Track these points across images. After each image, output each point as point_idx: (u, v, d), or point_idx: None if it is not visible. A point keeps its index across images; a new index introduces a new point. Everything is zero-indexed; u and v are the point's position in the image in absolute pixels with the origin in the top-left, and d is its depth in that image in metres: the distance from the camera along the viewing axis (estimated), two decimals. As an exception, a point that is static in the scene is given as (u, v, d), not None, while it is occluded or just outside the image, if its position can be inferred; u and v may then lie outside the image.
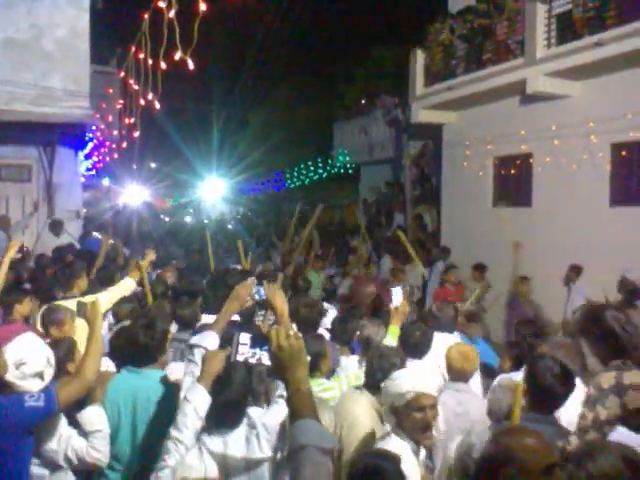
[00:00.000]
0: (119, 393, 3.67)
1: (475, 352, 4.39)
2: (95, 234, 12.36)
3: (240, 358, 3.44)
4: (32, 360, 3.28)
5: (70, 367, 3.73)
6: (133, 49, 6.88)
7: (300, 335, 2.07)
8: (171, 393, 3.57)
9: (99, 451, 3.46)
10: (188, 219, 25.92)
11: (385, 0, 24.15)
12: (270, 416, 3.19)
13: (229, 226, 22.39)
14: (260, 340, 3.43)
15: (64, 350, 3.75)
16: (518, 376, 3.95)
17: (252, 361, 3.41)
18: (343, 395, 3.96)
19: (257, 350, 3.48)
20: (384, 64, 22.10)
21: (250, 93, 26.45)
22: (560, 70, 10.67)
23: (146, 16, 5.84)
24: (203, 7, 4.26)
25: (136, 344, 3.78)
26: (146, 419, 3.61)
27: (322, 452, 1.80)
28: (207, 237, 9.27)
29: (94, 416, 3.52)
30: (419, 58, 14.13)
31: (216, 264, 9.06)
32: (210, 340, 3.38)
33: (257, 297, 3.95)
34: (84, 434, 3.49)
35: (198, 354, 3.32)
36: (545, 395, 3.29)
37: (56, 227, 11.26)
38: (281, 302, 3.61)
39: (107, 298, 5.26)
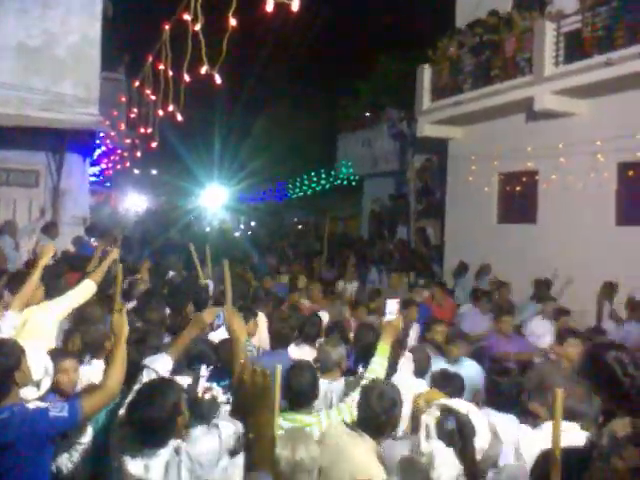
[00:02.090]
0: (108, 414, 3.55)
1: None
2: (92, 240, 12.27)
3: (199, 393, 3.30)
4: (31, 368, 3.26)
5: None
6: (150, 59, 6.91)
7: (268, 372, 1.86)
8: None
9: (75, 464, 3.41)
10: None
11: (391, 13, 24.27)
12: (197, 446, 2.95)
13: (236, 234, 22.35)
14: (220, 373, 3.28)
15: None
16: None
17: (207, 397, 3.24)
18: (338, 437, 3.39)
19: (214, 384, 3.30)
20: (389, 77, 22.21)
21: (254, 103, 26.54)
22: (568, 88, 10.77)
23: (167, 27, 5.88)
24: (233, 22, 4.29)
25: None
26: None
27: None
28: (192, 249, 8.64)
29: (81, 428, 3.45)
30: (426, 73, 14.23)
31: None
32: (162, 362, 3.27)
33: (217, 321, 3.77)
34: (66, 445, 3.42)
35: (147, 375, 3.22)
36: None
37: (51, 230, 10.80)
38: (238, 327, 3.41)
39: (64, 304, 4.85)
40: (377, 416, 3.34)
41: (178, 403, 2.99)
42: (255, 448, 1.74)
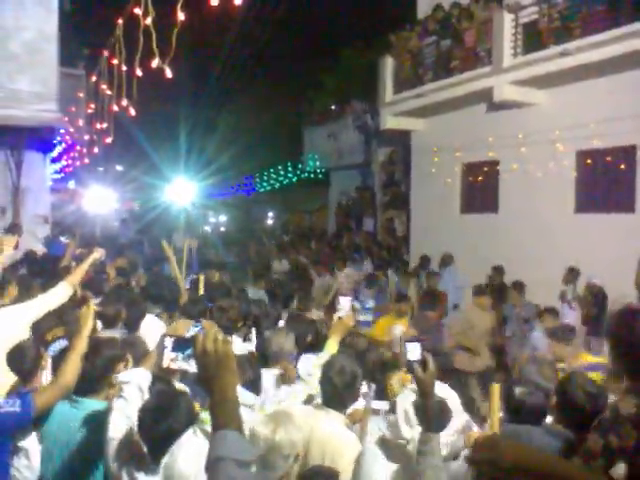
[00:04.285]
0: (54, 422, 3.40)
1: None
2: (61, 238, 12.24)
3: (165, 364, 3.21)
4: None
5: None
6: (106, 54, 6.82)
7: (229, 339, 1.88)
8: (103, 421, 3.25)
9: (18, 471, 3.23)
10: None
11: (354, 6, 24.29)
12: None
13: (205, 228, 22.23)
14: (182, 343, 3.32)
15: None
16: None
17: (173, 367, 3.17)
18: (310, 416, 3.35)
19: (179, 355, 3.25)
20: (354, 70, 22.24)
21: (219, 96, 26.37)
22: (526, 79, 10.91)
23: (120, 21, 5.81)
24: (181, 16, 4.26)
25: None
26: (77, 450, 3.35)
27: (239, 465, 1.68)
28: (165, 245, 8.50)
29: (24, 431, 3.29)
30: (388, 65, 14.28)
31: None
32: (141, 376, 3.24)
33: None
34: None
35: (128, 390, 3.15)
36: (575, 412, 3.20)
37: (14, 230, 10.84)
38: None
39: (37, 308, 4.57)
40: (340, 391, 3.40)
41: (191, 410, 2.94)
42: (220, 410, 1.78)
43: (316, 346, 4.84)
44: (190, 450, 2.78)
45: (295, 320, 5.64)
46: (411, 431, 2.88)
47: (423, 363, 2.74)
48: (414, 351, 2.82)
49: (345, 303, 4.24)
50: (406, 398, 3.01)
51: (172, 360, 3.23)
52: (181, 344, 3.16)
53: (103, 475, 3.26)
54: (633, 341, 2.45)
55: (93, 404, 3.42)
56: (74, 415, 3.37)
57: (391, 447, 2.93)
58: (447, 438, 3.03)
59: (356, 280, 11.74)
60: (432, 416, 2.68)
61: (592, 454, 2.41)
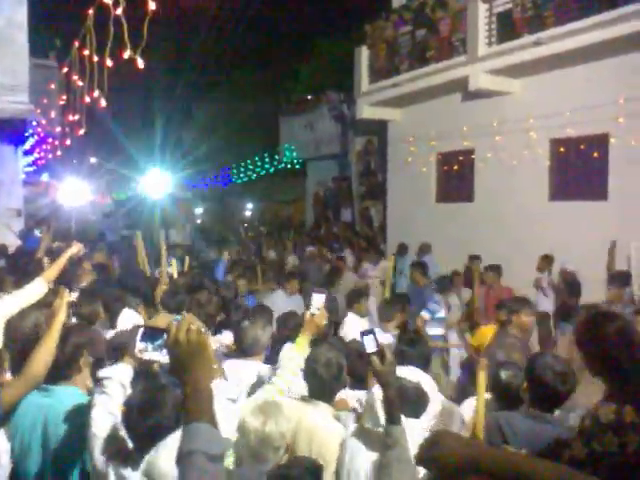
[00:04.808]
0: (27, 414, 3.27)
1: None
2: (36, 231, 12.12)
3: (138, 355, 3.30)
4: None
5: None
6: (77, 44, 6.72)
7: (203, 330, 1.86)
8: (84, 414, 3.15)
9: None
10: None
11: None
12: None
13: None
14: (152, 333, 3.33)
15: None
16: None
17: (142, 357, 3.26)
18: (298, 408, 3.34)
19: (148, 345, 3.34)
20: (329, 59, 22.19)
21: (194, 86, 26.17)
22: (501, 68, 10.98)
23: (91, 11, 5.72)
24: (152, 6, 4.20)
25: None
26: (57, 442, 3.24)
27: (209, 458, 1.65)
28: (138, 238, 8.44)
29: None
30: (364, 54, 14.28)
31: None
32: (123, 371, 3.19)
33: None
34: None
35: (110, 385, 3.10)
36: (546, 393, 3.21)
37: None
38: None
39: (11, 304, 4.30)
40: (327, 384, 3.42)
41: (179, 405, 2.92)
42: (193, 402, 1.73)
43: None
44: (175, 450, 2.76)
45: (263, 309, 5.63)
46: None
47: (380, 354, 2.73)
48: (370, 343, 2.77)
49: (318, 299, 4.10)
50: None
51: (141, 351, 3.20)
52: (151, 334, 3.14)
53: (81, 469, 3.21)
54: (606, 346, 2.45)
55: (65, 391, 3.34)
56: (47, 404, 3.28)
57: (371, 436, 2.95)
58: (426, 423, 3.04)
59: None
60: (394, 407, 2.68)
61: (578, 462, 2.31)
